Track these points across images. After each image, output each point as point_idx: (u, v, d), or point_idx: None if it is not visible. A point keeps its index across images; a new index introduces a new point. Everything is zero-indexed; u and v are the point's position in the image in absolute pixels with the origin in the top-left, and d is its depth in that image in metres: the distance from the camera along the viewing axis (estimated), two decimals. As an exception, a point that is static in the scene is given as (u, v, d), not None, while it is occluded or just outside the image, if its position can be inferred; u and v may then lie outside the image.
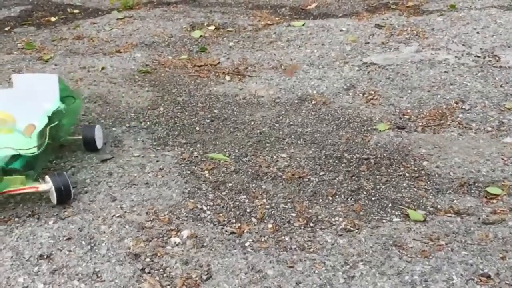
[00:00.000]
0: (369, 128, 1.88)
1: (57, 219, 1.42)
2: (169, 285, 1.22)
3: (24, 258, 1.29)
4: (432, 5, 2.96)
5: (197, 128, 1.90)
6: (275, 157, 1.72)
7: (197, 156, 1.72)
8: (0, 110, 1.60)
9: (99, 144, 1.72)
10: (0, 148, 1.44)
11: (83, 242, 1.34)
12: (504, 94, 2.04)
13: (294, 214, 1.45)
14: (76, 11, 3.18)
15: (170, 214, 1.45)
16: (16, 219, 1.43)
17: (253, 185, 1.57)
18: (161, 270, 1.26)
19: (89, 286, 1.21)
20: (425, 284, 1.20)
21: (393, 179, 1.60)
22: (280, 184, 1.58)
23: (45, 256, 1.29)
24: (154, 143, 1.80)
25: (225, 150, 1.76)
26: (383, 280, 1.21)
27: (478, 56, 2.32)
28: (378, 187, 1.57)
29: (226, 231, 1.39)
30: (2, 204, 1.48)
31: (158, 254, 1.30)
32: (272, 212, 1.46)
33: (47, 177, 1.45)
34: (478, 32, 2.53)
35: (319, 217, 1.44)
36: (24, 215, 1.44)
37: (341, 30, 2.68)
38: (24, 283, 1.22)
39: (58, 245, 1.33)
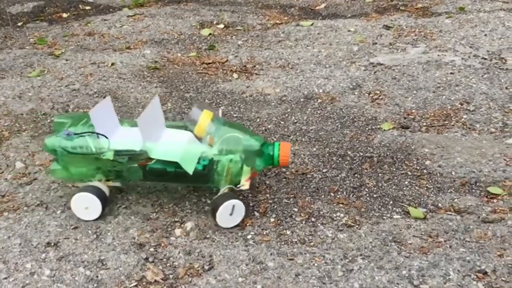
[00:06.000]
0: (373, 127, 1.90)
1: (65, 208, 1.46)
2: (171, 274, 1.25)
3: (32, 245, 1.33)
4: (441, 7, 2.97)
5: (204, 124, 1.93)
6: (279, 153, 1.74)
7: (202, 151, 1.75)
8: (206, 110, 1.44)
9: None
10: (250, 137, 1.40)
11: (89, 231, 1.37)
12: (509, 96, 2.05)
13: (296, 209, 1.48)
14: (87, 7, 3.23)
15: (175, 206, 1.48)
16: (25, 207, 1.47)
17: (257, 180, 1.60)
18: (164, 259, 1.29)
19: (94, 273, 1.24)
20: (422, 279, 1.22)
21: (395, 177, 1.62)
22: (284, 179, 1.61)
23: (52, 244, 1.33)
24: (161, 138, 1.83)
25: (230, 145, 1.78)
26: (380, 274, 1.23)
27: (485, 58, 2.33)
28: (380, 184, 1.59)
29: (229, 224, 1.41)
30: (12, 193, 1.52)
31: (162, 245, 1.33)
32: (275, 206, 1.49)
33: None
34: (486, 35, 2.53)
35: (321, 212, 1.46)
36: (33, 204, 1.48)
37: (349, 31, 2.70)
38: (31, 268, 1.25)
39: (65, 234, 1.36)
